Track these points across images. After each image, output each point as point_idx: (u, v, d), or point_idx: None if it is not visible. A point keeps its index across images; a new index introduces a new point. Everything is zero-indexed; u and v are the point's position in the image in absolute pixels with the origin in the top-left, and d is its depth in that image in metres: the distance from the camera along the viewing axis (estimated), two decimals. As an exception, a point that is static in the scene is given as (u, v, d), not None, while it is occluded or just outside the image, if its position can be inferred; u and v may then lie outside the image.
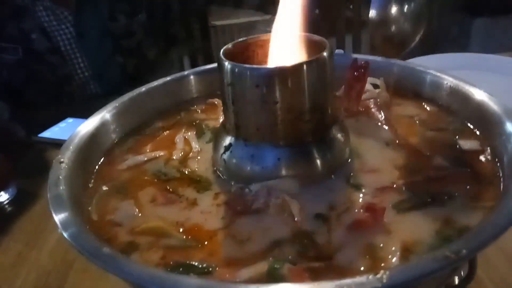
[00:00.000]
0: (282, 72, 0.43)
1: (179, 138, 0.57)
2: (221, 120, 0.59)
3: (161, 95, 0.63)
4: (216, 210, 0.45)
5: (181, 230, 0.42)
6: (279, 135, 0.45)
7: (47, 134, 0.95)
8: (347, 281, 0.30)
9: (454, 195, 0.43)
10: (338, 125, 0.48)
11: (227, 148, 0.48)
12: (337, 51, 0.63)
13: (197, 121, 0.61)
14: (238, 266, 0.38)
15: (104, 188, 0.49)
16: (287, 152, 0.46)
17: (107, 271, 0.34)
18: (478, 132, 0.51)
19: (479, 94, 0.52)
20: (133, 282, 0.34)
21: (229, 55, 0.46)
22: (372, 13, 0.46)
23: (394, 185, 0.45)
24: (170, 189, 0.48)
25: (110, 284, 0.60)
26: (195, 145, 0.55)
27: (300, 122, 0.45)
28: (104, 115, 0.55)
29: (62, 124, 0.98)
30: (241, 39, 0.50)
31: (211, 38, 1.63)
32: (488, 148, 0.48)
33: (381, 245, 0.39)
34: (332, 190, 0.45)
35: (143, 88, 0.62)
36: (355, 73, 0.55)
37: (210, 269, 0.38)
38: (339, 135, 0.48)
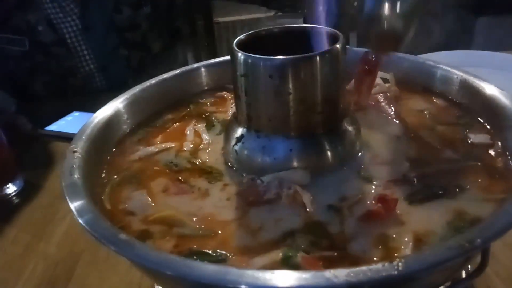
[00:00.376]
0: (295, 63, 0.43)
1: (189, 130, 0.57)
2: (230, 113, 0.59)
3: (171, 87, 0.63)
4: (228, 200, 0.45)
5: (194, 219, 0.43)
6: (291, 126, 0.46)
7: (54, 127, 0.95)
8: (363, 268, 0.31)
9: (466, 187, 0.43)
10: (349, 117, 0.49)
11: (238, 139, 0.48)
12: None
13: (207, 114, 0.61)
14: (251, 254, 0.38)
15: (117, 178, 0.49)
16: (298, 143, 0.46)
17: (124, 256, 0.34)
18: (488, 126, 0.52)
19: (489, 89, 0.52)
20: (149, 268, 0.34)
21: (242, 47, 0.46)
22: (366, 8, 0.47)
23: (405, 177, 0.45)
24: (182, 180, 0.48)
25: (118, 275, 0.60)
26: (206, 137, 0.55)
27: (312, 114, 0.45)
28: (116, 106, 0.56)
29: (68, 118, 0.98)
30: (253, 31, 0.50)
31: (215, 34, 1.63)
32: (499, 142, 0.49)
33: (394, 235, 0.39)
34: (343, 182, 0.46)
35: (153, 80, 0.62)
36: (366, 67, 0.55)
37: (224, 257, 0.38)
38: (350, 128, 0.48)
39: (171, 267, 0.32)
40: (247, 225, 0.42)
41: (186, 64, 1.52)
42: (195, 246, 0.40)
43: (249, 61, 0.44)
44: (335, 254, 0.38)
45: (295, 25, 0.51)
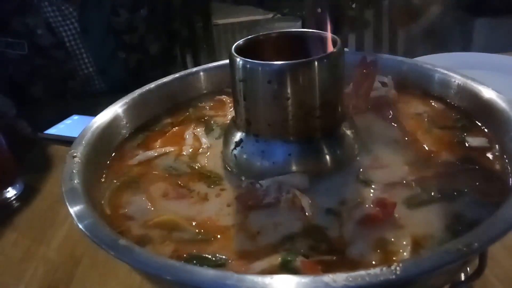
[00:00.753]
0: (293, 68, 0.43)
1: (188, 134, 0.57)
2: (229, 117, 0.59)
3: (170, 91, 0.64)
4: (227, 205, 0.45)
5: (193, 224, 0.43)
6: (290, 131, 0.46)
7: (53, 131, 0.95)
8: (361, 272, 0.31)
9: (464, 191, 0.44)
10: (348, 121, 0.49)
11: (238, 143, 0.48)
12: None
13: (206, 118, 0.62)
14: (251, 259, 0.38)
15: (116, 182, 0.49)
16: (297, 147, 0.46)
17: (124, 261, 0.34)
18: (486, 130, 0.52)
19: (487, 92, 0.52)
20: (149, 273, 0.35)
21: (240, 52, 0.46)
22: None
23: (404, 181, 0.46)
24: (181, 184, 0.48)
25: (118, 279, 0.60)
26: (205, 141, 0.56)
27: (311, 118, 0.46)
28: (115, 110, 0.56)
29: (67, 121, 0.98)
30: (251, 36, 0.50)
31: (214, 36, 1.64)
32: (497, 145, 0.49)
33: (392, 239, 0.39)
34: (342, 186, 0.46)
35: (152, 85, 0.62)
36: (364, 70, 0.55)
37: (224, 262, 0.38)
38: (348, 132, 0.48)
39: (171, 272, 0.33)
40: (247, 229, 0.42)
41: (185, 66, 1.52)
42: (194, 251, 0.40)
43: (248, 66, 0.44)
44: (334, 258, 0.38)
45: (293, 29, 0.52)
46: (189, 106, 0.64)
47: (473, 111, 0.54)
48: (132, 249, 0.35)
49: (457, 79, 0.57)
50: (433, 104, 0.59)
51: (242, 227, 0.42)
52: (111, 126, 0.55)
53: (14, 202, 0.78)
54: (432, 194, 0.44)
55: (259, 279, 0.31)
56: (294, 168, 0.46)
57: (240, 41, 0.49)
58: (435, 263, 0.32)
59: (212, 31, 1.64)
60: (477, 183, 0.45)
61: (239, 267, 0.37)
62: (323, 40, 0.48)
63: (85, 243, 0.63)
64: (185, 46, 1.54)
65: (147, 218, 0.44)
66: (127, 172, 0.51)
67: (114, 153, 0.54)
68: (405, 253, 0.38)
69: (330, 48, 0.45)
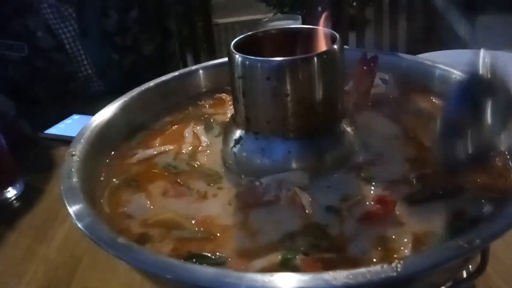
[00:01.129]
0: (292, 64, 0.43)
1: (188, 132, 0.57)
2: (229, 115, 0.59)
3: (170, 90, 0.63)
4: (227, 203, 0.45)
5: (193, 222, 0.43)
6: (289, 128, 0.46)
7: (53, 130, 0.95)
8: (362, 270, 0.31)
9: (465, 187, 0.43)
10: (348, 118, 0.49)
11: (237, 141, 0.48)
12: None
13: (205, 116, 0.61)
14: (251, 257, 0.38)
15: (115, 181, 0.49)
16: (297, 145, 0.46)
17: (123, 260, 0.34)
18: (487, 126, 0.51)
19: (488, 88, 0.52)
20: (148, 271, 0.34)
21: (240, 48, 0.46)
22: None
23: (405, 178, 0.45)
24: (181, 182, 0.48)
25: (119, 279, 0.60)
26: (204, 139, 0.55)
27: (311, 115, 0.45)
28: (114, 109, 0.56)
29: (67, 121, 0.98)
30: (251, 33, 0.50)
31: (214, 35, 1.64)
32: (498, 141, 0.48)
33: (393, 236, 0.39)
34: (342, 183, 0.46)
35: (151, 83, 0.62)
36: (364, 67, 0.55)
37: (223, 260, 0.38)
38: (349, 128, 0.48)
39: (170, 271, 0.32)
40: (246, 227, 0.42)
41: (185, 65, 1.52)
42: (194, 249, 0.40)
43: (247, 63, 0.44)
44: (335, 256, 0.38)
45: (292, 26, 0.51)
46: (188, 104, 0.64)
47: (474, 108, 0.54)
48: (131, 247, 0.35)
49: (458, 75, 0.56)
50: (434, 100, 0.59)
51: (242, 225, 0.42)
52: (111, 124, 0.54)
53: (14, 202, 0.78)
54: (434, 191, 0.43)
55: (258, 277, 0.31)
56: (294, 165, 0.46)
57: (239, 38, 0.48)
58: (436, 260, 0.31)
59: (212, 30, 1.64)
60: (479, 180, 0.44)
61: (239, 265, 0.37)
62: (322, 36, 0.47)
63: (85, 243, 0.63)
64: (186, 45, 1.54)
65: (147, 217, 0.44)
66: (127, 170, 0.51)
67: (113, 152, 0.54)
68: (406, 251, 0.37)
69: (329, 45, 0.45)
